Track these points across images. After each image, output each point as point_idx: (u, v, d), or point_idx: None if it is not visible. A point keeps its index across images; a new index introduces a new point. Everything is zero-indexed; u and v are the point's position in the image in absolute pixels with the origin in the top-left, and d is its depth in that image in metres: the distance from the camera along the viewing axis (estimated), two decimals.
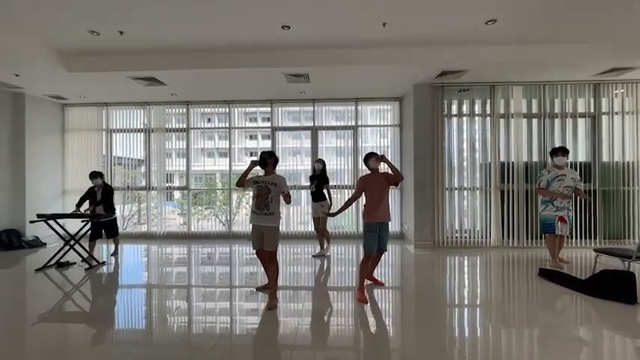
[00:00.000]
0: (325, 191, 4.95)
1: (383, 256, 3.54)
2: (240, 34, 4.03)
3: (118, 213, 5.39)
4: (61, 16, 3.60)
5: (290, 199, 3.16)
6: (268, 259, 3.20)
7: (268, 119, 6.62)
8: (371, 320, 2.85)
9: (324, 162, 5.05)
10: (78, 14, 3.55)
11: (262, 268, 3.47)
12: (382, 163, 3.35)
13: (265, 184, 3.16)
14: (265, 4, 3.37)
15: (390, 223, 3.43)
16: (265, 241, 3.16)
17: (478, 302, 3.23)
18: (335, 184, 6.49)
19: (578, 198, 4.81)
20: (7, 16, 3.54)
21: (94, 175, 4.89)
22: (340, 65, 4.55)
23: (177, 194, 7.29)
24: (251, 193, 3.33)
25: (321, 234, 4.99)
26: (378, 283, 3.67)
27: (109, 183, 6.11)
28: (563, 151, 4.29)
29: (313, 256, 4.97)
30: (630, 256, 3.13)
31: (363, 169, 6.36)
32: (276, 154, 3.36)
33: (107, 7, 3.42)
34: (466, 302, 3.23)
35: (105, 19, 3.66)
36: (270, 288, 3.19)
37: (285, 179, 3.25)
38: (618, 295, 2.99)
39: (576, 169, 5.31)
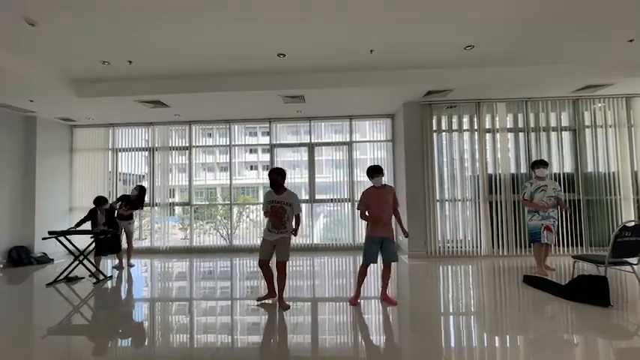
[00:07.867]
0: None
1: (376, 266, 3.54)
2: (239, 61, 4.37)
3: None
4: (76, 49, 3.94)
5: (300, 222, 3.39)
6: (279, 269, 3.33)
7: (267, 133, 6.91)
8: (367, 329, 3.03)
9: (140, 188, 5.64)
10: (92, 47, 3.90)
11: (264, 280, 3.55)
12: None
13: (280, 205, 3.32)
14: (263, 37, 3.72)
15: (394, 236, 3.50)
16: (278, 252, 3.33)
17: (472, 310, 3.43)
18: (332, 197, 6.75)
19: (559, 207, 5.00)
20: (27, 49, 3.90)
21: (104, 201, 5.15)
22: (333, 87, 4.89)
23: (177, 209, 7.49)
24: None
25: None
26: (390, 302, 3.39)
27: (114, 200, 6.34)
28: (542, 163, 4.54)
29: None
30: (603, 262, 3.36)
31: (358, 182, 6.72)
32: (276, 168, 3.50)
33: (119, 41, 3.77)
34: (459, 310, 3.41)
35: (116, 51, 4.01)
36: (280, 293, 3.36)
37: (297, 196, 3.44)
38: (594, 298, 3.20)
39: (561, 180, 5.59)
